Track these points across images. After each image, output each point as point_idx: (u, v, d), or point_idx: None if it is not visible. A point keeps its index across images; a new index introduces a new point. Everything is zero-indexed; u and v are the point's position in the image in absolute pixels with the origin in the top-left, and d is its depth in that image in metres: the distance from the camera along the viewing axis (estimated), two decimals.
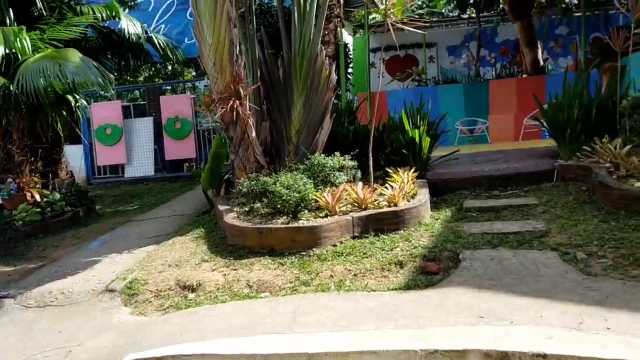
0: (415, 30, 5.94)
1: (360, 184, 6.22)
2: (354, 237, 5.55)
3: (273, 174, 6.51)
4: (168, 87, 20.94)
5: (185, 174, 13.26)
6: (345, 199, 6.00)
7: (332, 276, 4.83)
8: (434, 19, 19.26)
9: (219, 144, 7.53)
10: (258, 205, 6.17)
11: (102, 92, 18.55)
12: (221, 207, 6.49)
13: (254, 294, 4.72)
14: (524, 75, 14.60)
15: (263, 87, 7.14)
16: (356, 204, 5.91)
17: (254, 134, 6.72)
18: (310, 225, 5.42)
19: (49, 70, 7.30)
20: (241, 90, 6.37)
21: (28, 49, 7.91)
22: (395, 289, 4.33)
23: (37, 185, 9.02)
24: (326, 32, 7.13)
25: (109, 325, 4.51)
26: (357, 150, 6.70)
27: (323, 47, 6.82)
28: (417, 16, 6.53)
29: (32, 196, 8.60)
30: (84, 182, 14.36)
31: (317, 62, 6.76)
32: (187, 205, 8.93)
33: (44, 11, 9.12)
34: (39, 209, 8.46)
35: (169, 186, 12.47)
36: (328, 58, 6.92)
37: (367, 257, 5.10)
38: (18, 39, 7.77)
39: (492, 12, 17.83)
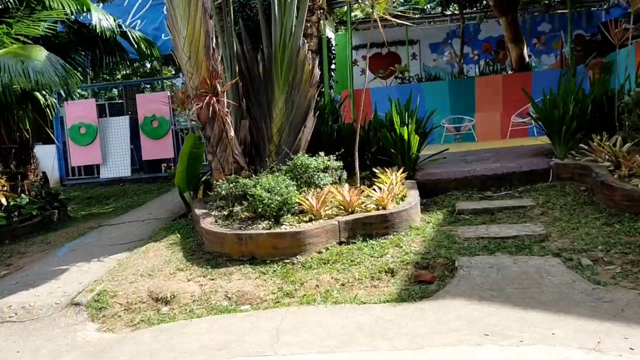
0: (405, 22, 5.58)
1: (346, 185, 5.86)
2: (340, 243, 5.18)
3: (253, 175, 6.12)
4: (147, 86, 20.42)
5: (163, 175, 12.79)
6: (331, 201, 5.63)
7: (318, 286, 4.47)
8: (416, 16, 19.01)
9: (193, 144, 7.10)
10: (237, 209, 5.79)
11: (78, 91, 18.00)
12: (198, 211, 6.07)
13: (233, 306, 4.32)
14: (510, 72, 14.38)
15: (242, 83, 6.73)
16: (342, 208, 5.54)
17: (232, 133, 6.31)
18: (294, 231, 5.04)
19: (12, 68, 6.80)
20: (218, 86, 5.97)
21: None
22: (388, 301, 3.97)
23: (5, 188, 8.50)
24: (308, 25, 6.76)
25: (72, 344, 4.07)
26: (343, 149, 6.33)
27: (305, 41, 6.43)
28: (399, 12, 6.19)
29: None
30: (57, 183, 13.81)
31: (299, 56, 6.37)
32: (163, 208, 8.48)
33: (10, 4, 8.58)
34: (4, 214, 7.95)
35: (146, 187, 12.00)
36: (311, 52, 6.54)
37: (355, 265, 4.74)
38: None
39: (475, 8, 17.61)
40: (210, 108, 5.88)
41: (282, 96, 6.42)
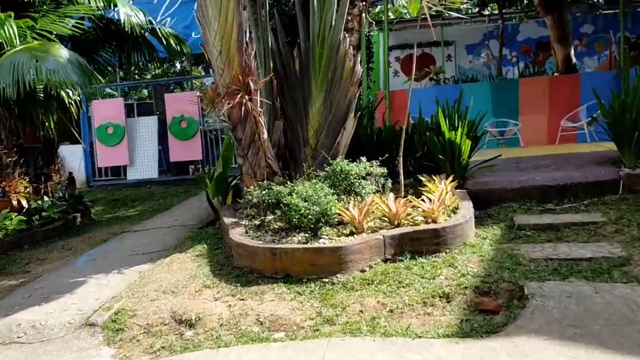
0: (441, 22, 4.96)
1: (391, 195, 5.27)
2: (385, 261, 4.60)
3: (288, 181, 5.58)
4: (177, 87, 20.17)
5: (190, 177, 12.38)
6: (373, 212, 5.06)
7: (362, 312, 3.90)
8: (453, 16, 18.31)
9: (226, 146, 6.60)
10: (270, 218, 5.26)
11: (108, 90, 17.81)
12: (227, 220, 5.56)
13: (266, 334, 3.78)
14: (555, 74, 13.58)
15: (276, 80, 6.19)
16: (387, 220, 4.97)
17: (265, 135, 5.79)
18: (334, 246, 4.48)
19: (23, 65, 6.40)
20: (251, 84, 5.44)
21: (15, 38, 7.01)
22: (447, 336, 3.37)
23: (28, 190, 8.16)
24: (349, 18, 6.19)
25: None
26: (387, 154, 5.74)
27: (346, 35, 5.86)
28: (434, 12, 5.62)
29: (18, 202, 7.72)
30: (83, 184, 13.55)
31: (339, 51, 5.81)
32: (190, 213, 8.01)
33: None
34: (25, 217, 7.58)
35: (173, 190, 11.60)
36: (352, 47, 5.97)
37: (403, 287, 4.16)
38: (5, 27, 6.89)
39: (515, 8, 16.81)
40: (242, 107, 5.36)
41: (320, 95, 5.87)
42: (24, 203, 7.80)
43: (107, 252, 6.36)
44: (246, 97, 5.37)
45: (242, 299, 4.28)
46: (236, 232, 5.11)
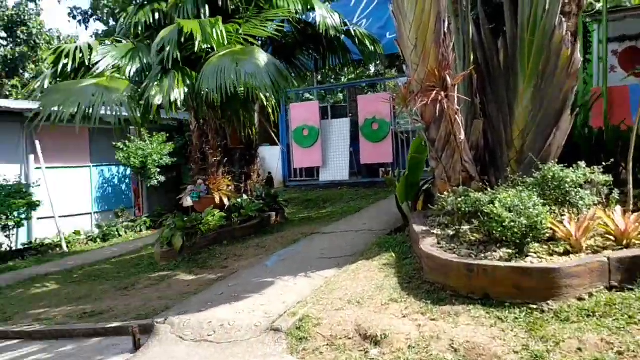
0: None
1: (618, 208, 4.34)
2: (610, 288, 3.75)
3: (487, 188, 4.93)
4: (370, 89, 20.32)
5: (380, 180, 12.17)
6: (594, 229, 4.20)
7: (580, 350, 3.17)
8: None
9: (417, 148, 6.16)
10: (466, 228, 4.69)
11: (306, 95, 18.59)
12: (417, 228, 5.11)
13: None
14: None
15: (477, 74, 5.57)
16: (612, 238, 4.08)
17: (462, 136, 5.21)
18: (545, 267, 3.76)
19: (227, 69, 6.65)
20: (448, 79, 4.92)
21: (223, 41, 7.39)
22: None
23: (229, 188, 8.62)
24: (566, 0, 5.31)
25: None
26: (611, 159, 4.77)
27: (563, 19, 5.02)
28: None
29: (220, 199, 8.18)
30: (280, 184, 14.19)
31: (553, 38, 4.99)
32: (378, 218, 7.74)
33: (240, 4, 8.68)
34: (225, 214, 8.00)
35: (362, 192, 11.52)
36: (570, 34, 5.10)
37: (636, 324, 3.31)
38: (214, 31, 7.31)
39: None
40: (437, 105, 4.86)
41: (529, 90, 5.11)
42: (225, 201, 8.24)
43: (296, 253, 6.35)
44: (442, 93, 4.86)
45: (433, 319, 3.80)
46: (427, 242, 4.64)
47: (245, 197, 8.80)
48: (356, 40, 9.58)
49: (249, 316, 4.36)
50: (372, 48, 9.83)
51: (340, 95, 21.36)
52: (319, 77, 17.38)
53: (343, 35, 9.79)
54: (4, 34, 23.72)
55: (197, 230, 7.55)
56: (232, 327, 4.21)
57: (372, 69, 21.76)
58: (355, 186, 12.41)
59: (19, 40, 23.46)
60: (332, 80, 21.44)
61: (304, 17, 9.52)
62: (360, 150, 12.60)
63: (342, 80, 21.53)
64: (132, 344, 4.37)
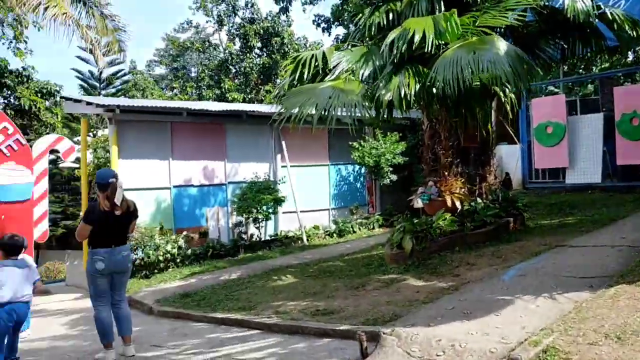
0: None
1: None
2: None
3: None
4: (628, 80, 17.74)
5: None
6: None
7: None
8: None
9: None
10: None
11: (550, 88, 16.98)
12: None
13: None
14: None
15: None
16: None
17: None
18: None
19: (462, 60, 6.20)
20: None
21: (458, 33, 6.98)
22: None
23: (462, 190, 8.17)
24: None
25: None
26: None
27: None
28: None
29: (452, 202, 7.78)
30: (519, 186, 13.18)
31: None
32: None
33: None
34: (457, 218, 7.58)
35: (618, 198, 10.04)
36: None
37: None
38: (448, 24, 6.96)
39: None
40: None
41: None
42: (458, 204, 7.81)
43: (537, 268, 5.66)
44: None
45: None
46: None
47: (479, 200, 8.24)
48: (614, 25, 8.24)
49: (483, 339, 3.92)
50: (633, 33, 8.37)
51: (590, 87, 19.05)
52: (565, 67, 15.65)
53: (596, 20, 8.52)
54: (259, 44, 26.94)
55: (427, 234, 7.28)
56: (463, 349, 3.82)
57: (631, 56, 18.89)
58: (609, 190, 10.90)
59: (272, 50, 26.42)
60: (580, 71, 19.18)
61: (549, 2, 8.55)
62: (616, 150, 10.91)
63: (594, 70, 19.14)
64: (358, 351, 4.29)
